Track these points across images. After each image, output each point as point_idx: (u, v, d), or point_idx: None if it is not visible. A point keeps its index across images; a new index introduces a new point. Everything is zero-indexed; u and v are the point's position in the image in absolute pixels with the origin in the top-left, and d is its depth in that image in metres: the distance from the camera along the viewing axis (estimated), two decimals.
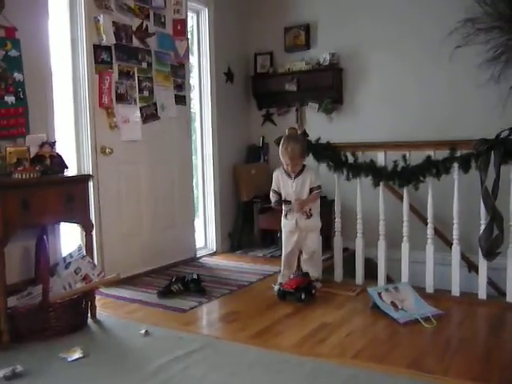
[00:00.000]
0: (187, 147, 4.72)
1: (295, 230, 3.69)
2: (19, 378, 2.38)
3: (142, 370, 2.45)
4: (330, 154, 3.80)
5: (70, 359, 2.58)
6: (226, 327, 3.08)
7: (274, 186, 3.76)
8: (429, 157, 3.45)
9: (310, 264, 3.72)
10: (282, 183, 3.71)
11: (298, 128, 4.08)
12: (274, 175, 3.77)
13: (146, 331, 2.91)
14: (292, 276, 3.52)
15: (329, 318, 3.14)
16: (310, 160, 3.80)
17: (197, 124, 5.03)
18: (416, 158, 3.52)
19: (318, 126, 4.93)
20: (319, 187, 3.65)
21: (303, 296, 3.41)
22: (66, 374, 2.44)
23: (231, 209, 5.28)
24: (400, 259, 3.65)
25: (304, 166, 3.68)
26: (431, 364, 2.46)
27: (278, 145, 3.75)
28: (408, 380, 2.29)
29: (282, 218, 3.76)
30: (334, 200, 3.98)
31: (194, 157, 4.93)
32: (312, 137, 3.83)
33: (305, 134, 3.94)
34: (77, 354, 2.62)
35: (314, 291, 3.52)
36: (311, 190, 3.64)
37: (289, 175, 3.68)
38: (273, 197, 3.77)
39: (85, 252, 3.18)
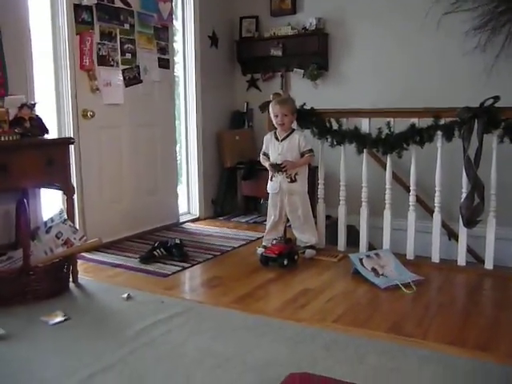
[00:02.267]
0: (170, 112, 4.66)
1: (279, 193, 3.69)
2: (0, 340, 2.38)
3: (123, 333, 2.46)
4: (314, 120, 3.78)
5: (51, 322, 2.57)
6: (209, 292, 3.10)
7: (263, 149, 3.77)
8: (413, 125, 3.45)
9: (302, 230, 3.74)
10: (270, 146, 3.71)
11: (282, 94, 4.04)
12: (265, 138, 3.78)
13: (128, 295, 2.91)
14: (275, 242, 3.53)
15: (311, 283, 3.18)
16: (294, 126, 3.78)
17: (180, 89, 4.95)
18: (400, 125, 3.51)
19: (303, 92, 4.88)
20: (311, 151, 3.64)
21: (286, 262, 3.43)
22: (48, 337, 2.44)
23: (215, 175, 5.26)
24: (382, 227, 3.69)
25: (293, 130, 3.67)
26: (410, 328, 2.51)
27: (263, 111, 3.71)
28: (388, 343, 2.33)
29: (268, 181, 3.76)
30: (317, 167, 3.98)
31: (177, 122, 4.87)
32: (297, 103, 3.79)
33: None
34: (58, 318, 2.61)
35: (296, 257, 3.54)
36: (302, 155, 3.63)
37: (277, 138, 3.66)
38: (263, 159, 3.76)
39: (66, 216, 3.15)
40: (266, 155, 3.75)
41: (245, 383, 1.99)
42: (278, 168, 3.61)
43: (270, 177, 3.74)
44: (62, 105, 3.75)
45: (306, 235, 3.74)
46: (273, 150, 3.69)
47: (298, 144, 3.62)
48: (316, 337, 2.40)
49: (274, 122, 3.64)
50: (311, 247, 3.73)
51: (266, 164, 3.72)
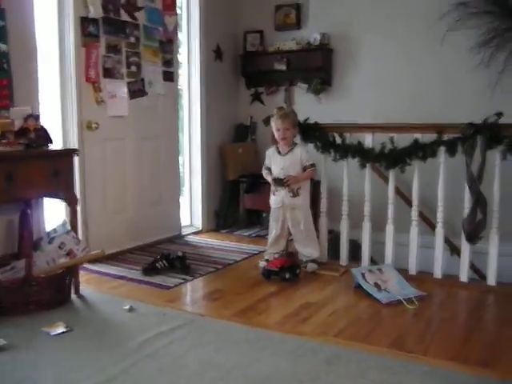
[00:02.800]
0: (174, 124, 4.69)
1: (281, 207, 3.70)
2: (2, 351, 2.37)
3: (125, 344, 2.45)
4: (317, 134, 3.80)
5: (53, 333, 2.57)
6: (211, 305, 3.10)
7: (266, 163, 3.79)
8: (416, 140, 3.46)
9: (304, 244, 3.74)
10: (273, 160, 3.72)
11: (286, 108, 4.06)
12: (267, 152, 3.80)
13: (130, 307, 2.91)
14: (277, 256, 3.53)
15: (312, 297, 3.17)
16: (297, 140, 3.80)
17: (184, 101, 4.98)
18: (404, 140, 3.52)
19: (307, 106, 4.91)
20: (313, 165, 3.65)
21: (288, 276, 3.42)
22: (50, 347, 2.44)
23: (217, 187, 5.27)
24: (384, 242, 3.68)
25: (295, 145, 3.69)
26: (412, 344, 2.50)
27: (266, 124, 3.73)
28: (389, 359, 2.32)
29: (270, 195, 3.77)
30: (320, 181, 3.99)
31: (180, 134, 4.89)
32: (300, 117, 3.81)
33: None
34: (60, 329, 2.62)
35: (298, 271, 3.53)
36: (305, 169, 3.65)
37: (279, 152, 3.68)
38: (266, 174, 3.78)
39: (69, 227, 3.16)
40: (269, 169, 3.76)
41: None
42: (280, 183, 3.62)
43: (272, 191, 3.76)
44: (67, 116, 3.77)
45: (308, 249, 3.74)
46: (275, 164, 3.71)
47: (301, 158, 3.64)
48: (317, 351, 2.40)
49: (276, 136, 3.66)
50: (313, 261, 3.73)
51: (269, 178, 3.73)
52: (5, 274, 2.93)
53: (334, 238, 4.17)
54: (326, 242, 3.96)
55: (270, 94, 5.33)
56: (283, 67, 5.04)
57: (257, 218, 5.19)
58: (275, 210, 3.76)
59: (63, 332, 2.59)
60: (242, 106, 5.49)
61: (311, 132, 3.81)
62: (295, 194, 3.65)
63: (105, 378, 2.12)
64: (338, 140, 3.75)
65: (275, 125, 3.63)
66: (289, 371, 2.20)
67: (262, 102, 5.38)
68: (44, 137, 3.14)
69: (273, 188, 3.74)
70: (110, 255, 3.86)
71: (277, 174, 3.67)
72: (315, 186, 4.13)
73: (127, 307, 2.91)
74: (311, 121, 3.83)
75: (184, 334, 2.58)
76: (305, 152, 3.67)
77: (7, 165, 2.78)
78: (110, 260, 3.86)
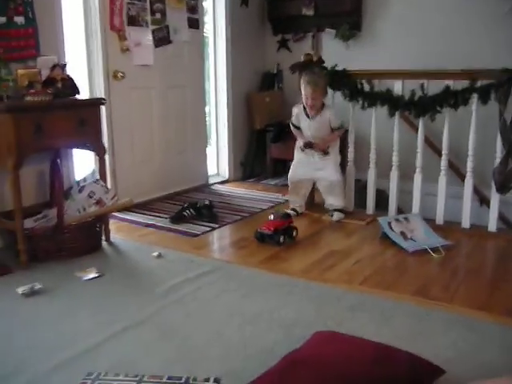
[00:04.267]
0: (200, 73, 4.64)
1: (304, 180, 3.75)
2: (37, 295, 2.48)
3: (154, 289, 2.53)
4: (345, 82, 3.72)
5: (85, 278, 2.67)
6: (237, 252, 3.15)
7: (293, 120, 3.76)
8: (447, 87, 3.36)
9: (330, 194, 3.76)
10: (301, 120, 3.70)
11: (313, 55, 3.97)
12: (294, 110, 3.76)
13: (159, 254, 2.99)
14: (273, 217, 3.30)
15: (338, 245, 3.19)
16: (326, 101, 3.72)
17: (210, 49, 4.91)
18: (434, 88, 3.43)
19: (335, 53, 4.77)
20: (341, 127, 3.66)
21: (282, 239, 3.17)
22: (82, 291, 2.54)
23: (243, 137, 5.25)
24: (412, 191, 3.65)
25: (323, 106, 3.64)
26: (437, 292, 2.51)
27: (293, 72, 3.66)
28: (414, 306, 2.34)
29: (296, 151, 3.75)
30: (347, 130, 3.94)
31: (207, 83, 4.85)
32: (328, 64, 3.72)
33: (320, 61, 3.84)
34: (92, 274, 2.71)
35: (294, 234, 3.29)
36: (333, 130, 3.65)
37: (307, 115, 3.64)
38: (295, 131, 3.77)
39: (98, 176, 3.21)
40: (297, 127, 3.74)
41: (272, 340, 2.03)
42: (310, 146, 3.66)
43: (298, 147, 3.75)
44: (93, 66, 3.77)
45: (334, 198, 3.74)
46: (304, 126, 3.69)
47: (329, 120, 3.62)
48: (342, 298, 2.43)
49: (304, 100, 3.61)
50: (339, 210, 3.73)
51: (298, 138, 3.75)
52: (37, 223, 3.02)
53: (360, 187, 4.15)
54: (352, 191, 3.94)
55: (298, 41, 5.20)
56: (311, 12, 4.90)
57: (283, 168, 5.17)
58: (297, 182, 3.77)
59: (95, 277, 2.68)
60: (269, 53, 5.39)
61: (339, 79, 3.73)
62: (326, 153, 3.67)
63: (134, 322, 2.20)
64: (367, 87, 3.68)
65: (304, 90, 3.57)
66: (314, 316, 2.24)
67: (288, 49, 5.26)
68: (71, 86, 3.15)
69: (300, 144, 3.73)
70: (138, 204, 3.93)
71: (306, 136, 3.67)
72: (343, 134, 4.07)
73: (156, 254, 2.98)
74: (339, 67, 3.75)
75: (211, 280, 2.64)
76: (333, 114, 3.65)
77: (36, 115, 2.81)
78: (138, 209, 3.93)
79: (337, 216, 3.70)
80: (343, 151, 3.94)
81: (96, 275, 2.70)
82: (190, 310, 2.32)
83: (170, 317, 2.26)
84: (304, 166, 3.74)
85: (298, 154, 3.79)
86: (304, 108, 3.66)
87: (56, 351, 1.97)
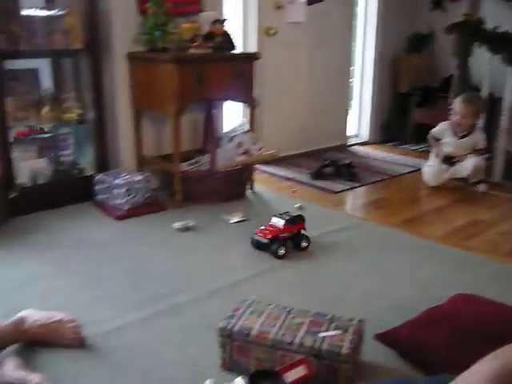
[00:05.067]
0: (348, 32, 4.62)
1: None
2: (190, 230, 2.75)
3: None
4: (506, 45, 3.50)
5: (231, 221, 2.88)
6: (375, 212, 3.18)
7: (435, 132, 3.68)
8: None
9: (470, 169, 3.57)
10: (445, 136, 3.61)
11: (471, 15, 3.77)
12: (440, 125, 3.66)
13: (300, 206, 3.12)
14: (276, 220, 2.56)
15: (482, 215, 3.09)
16: (481, 52, 3.53)
17: (359, 8, 4.84)
18: None
19: (495, 14, 4.44)
20: (485, 149, 3.55)
21: (281, 251, 2.44)
22: (230, 232, 2.76)
23: (386, 99, 5.15)
24: None
25: (473, 128, 3.53)
26: None
27: (449, 33, 3.51)
28: None
29: (434, 156, 3.65)
30: (501, 98, 3.71)
31: (353, 43, 4.81)
32: (489, 25, 3.52)
33: (480, 21, 3.64)
34: (237, 218, 2.91)
35: (304, 244, 2.54)
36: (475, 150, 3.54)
37: (455, 133, 3.55)
38: (433, 143, 3.69)
39: (248, 128, 3.39)
40: (437, 139, 3.66)
41: (408, 297, 2.07)
42: (450, 162, 3.58)
43: (436, 155, 3.65)
44: (248, 22, 3.92)
45: (475, 172, 3.55)
46: (447, 141, 3.59)
47: (477, 143, 3.54)
48: (483, 265, 2.39)
49: (453, 117, 3.52)
50: (482, 182, 3.57)
51: (434, 148, 3.66)
52: (191, 167, 3.29)
53: (510, 159, 3.92)
54: (502, 161, 3.74)
55: (454, 1, 4.92)
56: None
57: (426, 133, 5.01)
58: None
59: (240, 221, 2.89)
60: (421, 12, 5.16)
61: (499, 42, 3.52)
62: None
63: (277, 264, 2.37)
64: None
65: (456, 106, 3.50)
66: (452, 280, 2.23)
67: (443, 10, 5.00)
68: (229, 41, 3.32)
69: (437, 151, 3.64)
70: (280, 159, 4.06)
71: (447, 151, 3.58)
72: (494, 103, 3.86)
73: (297, 205, 3.11)
74: (500, 30, 3.53)
75: (350, 236, 2.72)
76: (483, 138, 3.54)
77: (197, 66, 3.02)
78: (280, 163, 4.08)
79: (481, 187, 3.55)
80: (492, 121, 3.75)
81: (241, 219, 2.90)
82: (329, 259, 2.43)
83: (312, 264, 2.39)
84: (443, 172, 3.62)
85: (434, 160, 3.68)
86: (452, 126, 3.58)
87: (210, 280, 2.20)
